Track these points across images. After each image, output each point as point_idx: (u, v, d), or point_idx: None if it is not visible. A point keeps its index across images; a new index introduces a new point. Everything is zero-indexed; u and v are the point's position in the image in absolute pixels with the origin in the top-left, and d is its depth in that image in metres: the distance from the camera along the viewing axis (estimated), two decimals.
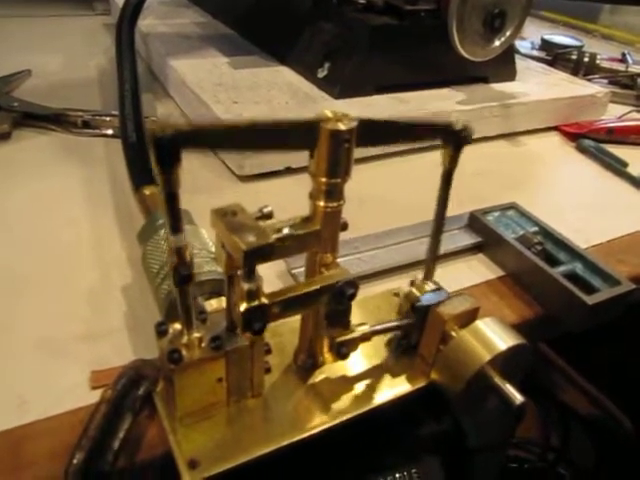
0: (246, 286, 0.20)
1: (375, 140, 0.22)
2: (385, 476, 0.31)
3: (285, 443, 0.24)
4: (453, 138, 0.23)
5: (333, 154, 0.20)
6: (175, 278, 0.20)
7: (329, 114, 0.20)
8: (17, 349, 0.28)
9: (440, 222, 0.26)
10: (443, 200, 0.26)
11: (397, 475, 0.31)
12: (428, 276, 0.28)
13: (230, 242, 0.20)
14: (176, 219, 0.19)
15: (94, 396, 0.24)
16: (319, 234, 0.22)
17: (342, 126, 0.20)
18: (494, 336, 0.25)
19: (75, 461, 0.20)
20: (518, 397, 0.24)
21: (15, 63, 0.60)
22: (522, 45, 0.80)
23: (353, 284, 0.23)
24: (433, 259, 0.28)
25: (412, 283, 0.28)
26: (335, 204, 0.22)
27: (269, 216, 0.21)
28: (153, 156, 0.17)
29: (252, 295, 0.20)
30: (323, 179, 0.21)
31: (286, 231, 0.20)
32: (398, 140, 0.23)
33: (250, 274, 0.19)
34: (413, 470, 0.32)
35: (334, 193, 0.21)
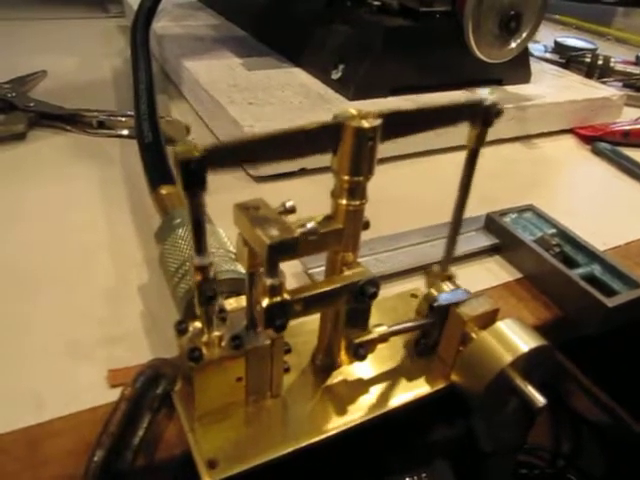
0: (269, 282, 0.19)
1: (401, 131, 0.21)
2: (394, 479, 0.31)
3: (304, 444, 0.23)
4: (481, 115, 0.23)
5: (357, 152, 0.20)
6: (200, 298, 0.20)
7: (353, 112, 0.20)
8: (34, 349, 0.28)
9: (462, 205, 0.26)
10: (466, 181, 0.25)
11: (407, 479, 0.31)
12: (445, 264, 0.27)
13: (253, 237, 0.19)
14: (202, 240, 0.19)
15: (111, 395, 0.24)
16: (341, 233, 0.22)
17: (366, 124, 0.20)
18: (516, 337, 0.25)
19: (96, 458, 0.20)
20: (540, 399, 0.23)
21: (30, 64, 0.60)
22: (535, 48, 0.79)
23: (374, 283, 0.22)
24: (452, 242, 0.27)
25: (428, 274, 0.28)
26: (357, 202, 0.21)
27: (292, 211, 0.20)
28: (180, 180, 0.17)
29: (275, 291, 0.20)
30: (346, 177, 0.21)
31: (310, 225, 0.20)
32: (424, 128, 0.22)
33: (273, 270, 0.19)
34: (423, 474, 0.31)
35: (357, 191, 0.21)
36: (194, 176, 0.17)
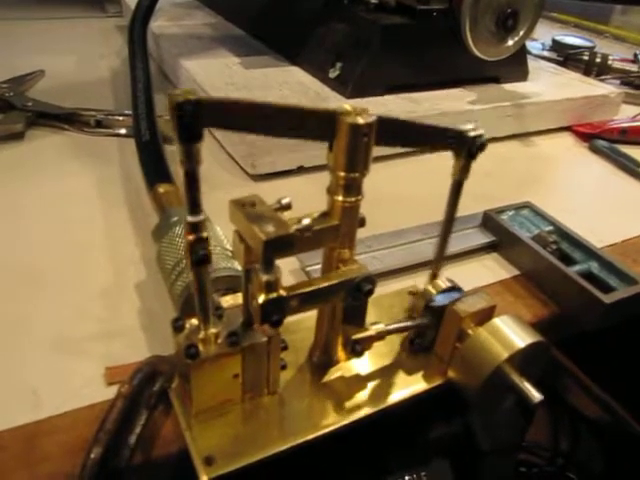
0: (265, 277, 0.19)
1: (390, 140, 0.21)
2: (394, 478, 0.31)
3: (301, 441, 0.23)
4: (466, 147, 0.23)
5: (352, 148, 0.20)
6: (192, 258, 0.20)
7: (348, 108, 0.20)
8: (32, 346, 0.28)
9: (448, 229, 0.26)
10: (451, 209, 0.26)
11: (406, 477, 0.31)
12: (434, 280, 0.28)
13: (249, 232, 0.19)
14: (195, 197, 0.19)
15: (108, 392, 0.24)
16: (337, 229, 0.22)
17: (361, 120, 0.20)
18: (512, 334, 0.25)
19: (93, 455, 0.20)
20: (536, 395, 0.24)
21: (29, 64, 0.60)
22: (533, 46, 0.79)
23: (371, 280, 0.22)
24: (439, 261, 0.28)
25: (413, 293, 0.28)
26: (353, 199, 0.21)
27: (288, 207, 0.20)
28: (175, 128, 0.16)
29: (271, 287, 0.20)
30: (342, 173, 0.21)
31: (305, 222, 0.20)
32: (412, 144, 0.22)
33: (269, 265, 0.19)
34: (422, 473, 0.31)
35: (352, 188, 0.21)
36: (189, 124, 0.17)
